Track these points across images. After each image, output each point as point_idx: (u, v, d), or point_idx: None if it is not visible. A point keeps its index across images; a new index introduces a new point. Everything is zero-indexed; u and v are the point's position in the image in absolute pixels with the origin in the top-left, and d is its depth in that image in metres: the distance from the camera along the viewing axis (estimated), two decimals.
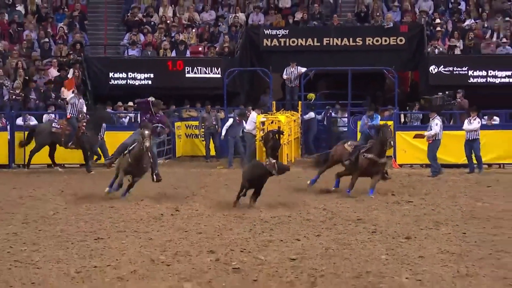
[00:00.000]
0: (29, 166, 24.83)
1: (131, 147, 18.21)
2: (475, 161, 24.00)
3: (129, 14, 31.49)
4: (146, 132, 17.88)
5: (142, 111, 20.27)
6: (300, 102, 27.96)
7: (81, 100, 25.16)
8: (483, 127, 25.16)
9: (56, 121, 24.97)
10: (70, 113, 24.57)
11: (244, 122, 25.48)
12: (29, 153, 24.68)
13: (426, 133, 23.48)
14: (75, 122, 24.32)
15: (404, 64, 29.35)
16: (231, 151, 25.50)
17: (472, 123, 23.86)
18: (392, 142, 20.37)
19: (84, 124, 24.42)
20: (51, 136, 24.45)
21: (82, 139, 24.29)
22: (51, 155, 24.86)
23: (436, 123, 23.40)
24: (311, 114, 27.56)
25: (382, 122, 21.54)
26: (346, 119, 27.79)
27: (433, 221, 16.12)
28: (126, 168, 18.32)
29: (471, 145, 23.84)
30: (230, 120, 25.73)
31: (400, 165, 25.03)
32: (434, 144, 23.41)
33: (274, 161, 17.73)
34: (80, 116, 24.62)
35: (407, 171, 24.05)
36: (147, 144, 17.75)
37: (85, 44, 30.78)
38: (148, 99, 19.72)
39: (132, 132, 20.00)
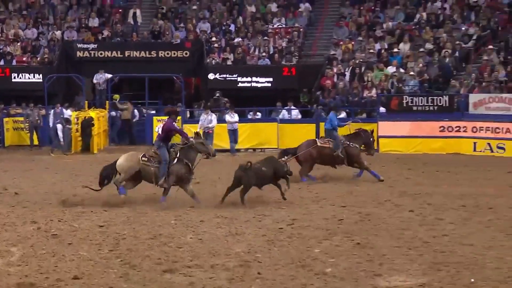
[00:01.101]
0: None
1: None
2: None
3: None
4: None
5: None
6: (107, 102, 27.61)
7: None
8: (249, 120, 25.84)
9: None
10: None
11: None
12: None
13: (210, 125, 23.71)
14: None
15: (189, 72, 29.45)
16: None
17: (233, 117, 24.53)
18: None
19: None
20: None
21: None
22: None
23: (214, 117, 23.88)
24: (113, 113, 27.24)
25: None
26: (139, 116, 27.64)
27: (212, 194, 16.23)
28: None
29: (233, 133, 24.48)
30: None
31: None
32: (212, 134, 23.78)
33: None
34: None
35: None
36: None
37: None
38: None
39: None
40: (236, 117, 24.80)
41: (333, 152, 18.20)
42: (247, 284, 9.36)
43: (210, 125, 23.78)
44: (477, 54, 27.70)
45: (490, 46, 27.03)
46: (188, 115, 27.04)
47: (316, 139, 19.05)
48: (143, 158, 15.12)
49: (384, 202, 14.95)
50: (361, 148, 18.62)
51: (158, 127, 15.94)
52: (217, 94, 27.18)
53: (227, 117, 24.62)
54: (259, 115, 26.54)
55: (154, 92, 28.87)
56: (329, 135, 18.65)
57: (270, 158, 15.59)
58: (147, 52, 29.37)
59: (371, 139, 18.96)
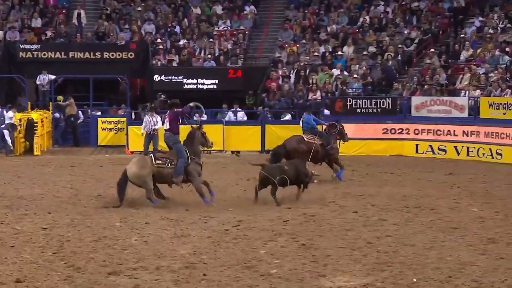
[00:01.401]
0: None
1: None
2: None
3: None
4: None
5: None
6: (51, 103, 27.18)
7: None
8: (194, 121, 25.62)
9: None
10: None
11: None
12: None
13: (156, 127, 23.50)
14: None
15: (134, 73, 29.26)
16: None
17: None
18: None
19: None
20: None
21: None
22: None
23: (159, 119, 23.69)
24: (56, 115, 26.88)
25: None
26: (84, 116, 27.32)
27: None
28: None
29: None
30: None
31: (132, 152, 24.91)
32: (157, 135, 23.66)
33: None
34: None
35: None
36: None
37: None
38: None
39: None
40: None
41: (325, 146, 18.52)
42: (192, 285, 9.33)
43: (156, 127, 23.63)
44: (419, 57, 28.18)
45: (432, 50, 27.51)
46: (134, 117, 26.82)
47: (303, 135, 18.89)
48: (157, 161, 14.71)
49: (329, 203, 15.05)
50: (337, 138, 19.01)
51: (164, 121, 15.20)
52: (162, 96, 27.04)
53: (160, 118, 24.18)
54: (204, 116, 26.44)
55: (99, 93, 28.61)
56: (311, 132, 18.85)
57: (295, 161, 15.85)
58: (91, 53, 29.10)
59: (343, 128, 19.31)
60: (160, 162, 14.70)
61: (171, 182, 14.87)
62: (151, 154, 15.06)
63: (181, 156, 14.72)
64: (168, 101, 15.25)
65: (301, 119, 19.62)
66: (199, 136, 15.28)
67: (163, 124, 15.24)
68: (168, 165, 14.72)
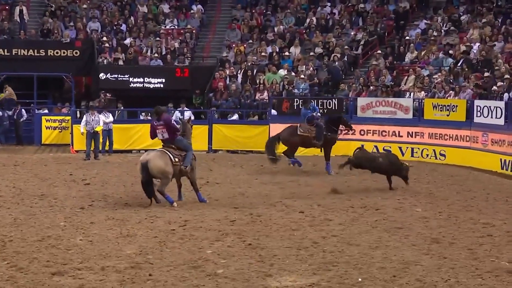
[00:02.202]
0: None
1: None
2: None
3: None
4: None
5: None
6: None
7: None
8: (141, 121, 25.57)
9: None
10: None
11: None
12: None
13: (82, 130, 23.35)
14: None
15: (79, 71, 28.88)
16: None
17: (108, 117, 24.15)
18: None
19: None
20: None
21: None
22: None
23: (101, 118, 23.56)
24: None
25: None
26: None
27: (102, 195, 16.05)
28: None
29: (108, 133, 24.13)
30: None
31: (77, 151, 24.62)
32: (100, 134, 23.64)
33: None
34: None
35: (82, 156, 23.67)
36: None
37: None
38: None
39: None
40: (110, 117, 24.41)
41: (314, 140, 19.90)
42: (138, 286, 9.27)
43: (100, 125, 23.43)
44: (365, 58, 28.49)
45: (378, 51, 27.84)
46: (78, 115, 26.49)
47: (298, 127, 20.24)
48: (176, 159, 14.63)
49: (275, 203, 15.12)
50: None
51: (160, 134, 14.70)
52: (108, 95, 26.81)
53: (102, 117, 24.00)
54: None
55: (43, 91, 28.20)
56: (309, 123, 20.05)
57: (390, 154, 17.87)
58: (35, 51, 28.59)
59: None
60: (177, 160, 14.67)
61: (179, 174, 14.91)
62: (167, 151, 14.68)
63: (190, 149, 14.93)
64: (156, 109, 15.11)
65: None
66: (191, 129, 15.56)
67: (156, 136, 14.92)
68: (181, 163, 14.74)
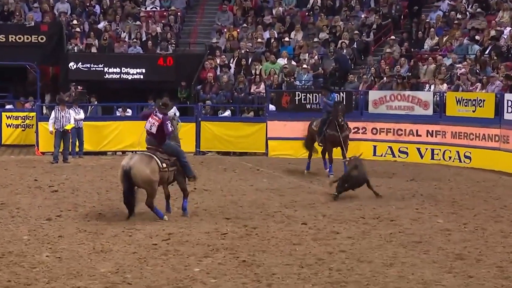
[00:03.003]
0: None
1: None
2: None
3: None
4: None
5: None
6: None
7: None
8: (118, 117, 25.58)
9: None
10: None
11: None
12: None
13: (50, 129, 23.33)
14: None
15: (46, 60, 28.87)
16: None
17: (79, 113, 24.16)
18: (342, 117, 20.44)
19: None
20: None
21: None
22: None
23: (71, 114, 23.55)
24: None
25: None
26: None
27: (72, 204, 16.04)
28: None
29: (78, 132, 24.09)
30: None
31: (43, 153, 24.61)
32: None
33: None
34: None
35: (49, 158, 23.65)
36: None
37: None
38: None
39: None
40: (81, 113, 24.32)
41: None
42: None
43: (71, 123, 23.43)
44: (377, 45, 28.50)
45: (392, 37, 27.86)
46: (45, 111, 26.50)
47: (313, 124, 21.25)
48: (163, 165, 14.41)
49: (274, 213, 15.12)
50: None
51: (150, 123, 14.43)
52: (79, 87, 26.80)
53: (72, 113, 23.90)
54: (129, 112, 26.31)
55: (3, 83, 28.20)
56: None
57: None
58: None
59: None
60: (165, 165, 14.48)
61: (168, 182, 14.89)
62: (153, 155, 14.48)
63: (182, 154, 14.87)
64: (160, 101, 15.02)
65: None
66: (177, 127, 15.51)
67: (144, 120, 14.80)
68: (169, 168, 14.61)
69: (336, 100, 21.48)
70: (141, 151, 14.99)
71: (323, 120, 20.81)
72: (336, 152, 20.68)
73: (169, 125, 14.66)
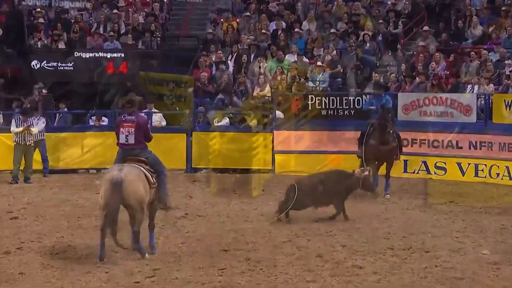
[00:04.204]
0: None
1: None
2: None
3: None
4: None
5: None
6: None
7: None
8: (95, 128, 25.56)
9: None
10: None
11: None
12: None
13: (35, 130, 23.32)
14: None
15: (2, 58, 28.96)
16: None
17: (38, 123, 24.02)
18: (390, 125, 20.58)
19: None
20: None
21: None
22: None
23: (39, 122, 23.63)
24: None
25: None
26: None
27: (36, 233, 16.03)
28: None
29: (40, 145, 23.99)
30: None
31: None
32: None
33: None
34: None
35: (7, 178, 23.65)
36: None
37: None
38: None
39: None
40: (42, 122, 24.11)
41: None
42: None
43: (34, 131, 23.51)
44: (408, 38, 28.55)
45: (426, 28, 27.89)
46: (1, 120, 26.54)
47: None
48: (153, 180, 13.99)
49: (282, 244, 15.11)
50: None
51: (124, 134, 13.87)
52: (44, 90, 26.84)
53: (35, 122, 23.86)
54: (105, 120, 26.33)
55: None
56: None
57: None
58: None
59: None
60: (153, 181, 14.03)
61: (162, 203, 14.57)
62: (141, 168, 14.01)
63: (162, 169, 14.39)
64: (123, 99, 14.66)
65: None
66: None
67: (127, 141, 14.20)
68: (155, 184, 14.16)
69: (388, 102, 21.26)
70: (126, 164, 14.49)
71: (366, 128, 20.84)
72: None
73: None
